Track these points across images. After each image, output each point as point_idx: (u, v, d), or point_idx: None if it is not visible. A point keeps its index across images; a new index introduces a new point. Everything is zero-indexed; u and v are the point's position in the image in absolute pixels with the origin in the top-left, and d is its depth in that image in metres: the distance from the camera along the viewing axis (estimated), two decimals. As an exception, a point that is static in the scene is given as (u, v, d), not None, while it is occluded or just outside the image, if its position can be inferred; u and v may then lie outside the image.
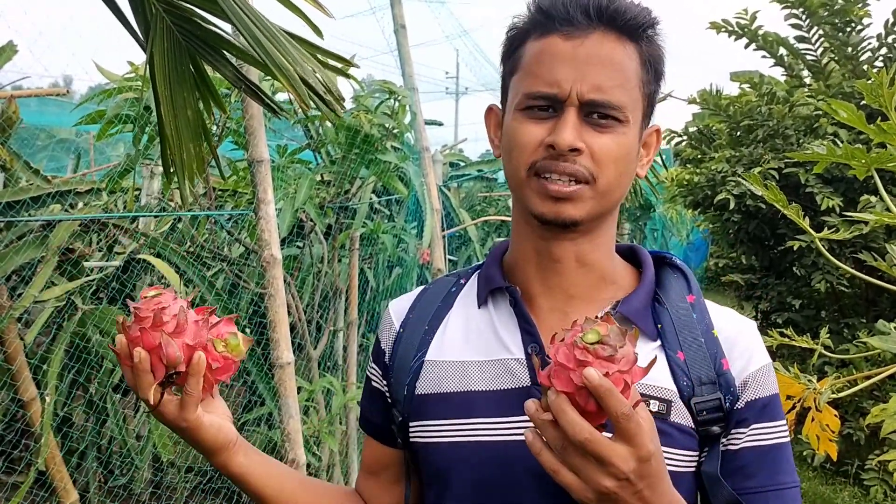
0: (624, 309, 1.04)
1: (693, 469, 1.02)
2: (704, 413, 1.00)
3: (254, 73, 2.27)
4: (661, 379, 1.01)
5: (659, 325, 1.05)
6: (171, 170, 1.32)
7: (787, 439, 1.06)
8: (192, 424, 0.99)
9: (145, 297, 0.96)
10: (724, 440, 1.03)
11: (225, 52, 1.28)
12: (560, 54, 0.98)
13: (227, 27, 1.26)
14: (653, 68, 1.03)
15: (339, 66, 1.35)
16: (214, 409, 1.04)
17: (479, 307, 1.11)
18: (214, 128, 3.15)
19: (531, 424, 0.95)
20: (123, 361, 0.96)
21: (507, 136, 1.04)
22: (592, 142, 0.98)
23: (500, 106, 1.12)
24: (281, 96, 3.50)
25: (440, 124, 5.72)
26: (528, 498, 1.00)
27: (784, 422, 1.06)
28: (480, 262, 1.20)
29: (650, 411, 0.96)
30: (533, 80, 1.00)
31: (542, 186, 0.99)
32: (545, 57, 1.00)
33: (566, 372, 0.81)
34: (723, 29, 5.30)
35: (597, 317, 0.84)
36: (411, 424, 1.09)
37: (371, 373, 1.19)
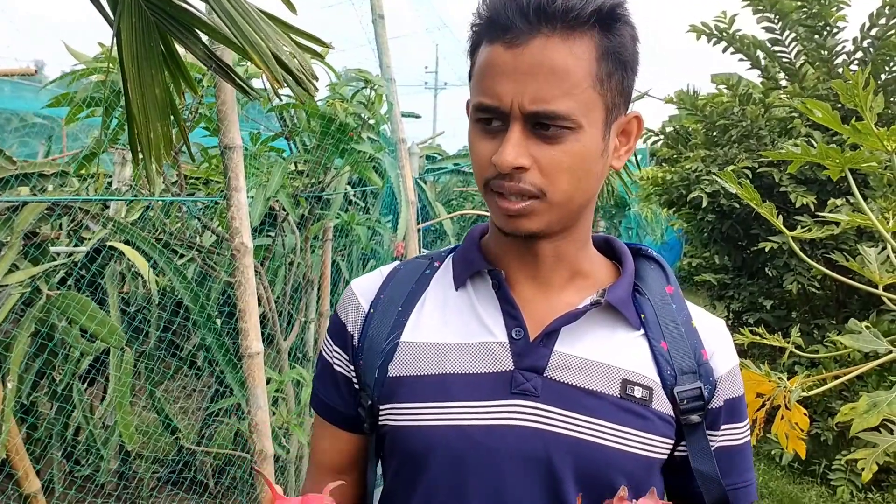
0: (611, 297, 1.03)
1: (666, 455, 1.03)
2: (686, 402, 1.01)
3: (228, 55, 2.23)
4: (644, 368, 1.02)
5: (642, 315, 1.05)
6: (139, 150, 1.29)
7: (749, 437, 1.11)
8: None
9: None
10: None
11: (196, 29, 1.25)
12: (501, 65, 0.94)
13: (199, 5, 1.23)
14: (614, 58, 0.96)
15: (315, 47, 1.32)
16: None
17: (456, 289, 1.09)
18: (186, 113, 3.10)
19: (512, 408, 0.98)
20: None
21: (469, 144, 1.02)
22: (541, 155, 0.94)
23: None
24: (256, 83, 3.46)
25: (417, 117, 5.69)
26: (509, 482, 0.98)
27: (748, 420, 1.10)
28: (454, 245, 1.18)
29: (635, 397, 0.99)
30: (479, 92, 0.97)
31: (496, 204, 0.98)
32: (488, 68, 0.95)
33: None
34: (702, 32, 5.33)
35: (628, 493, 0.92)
36: (381, 407, 1.05)
37: (333, 358, 1.14)
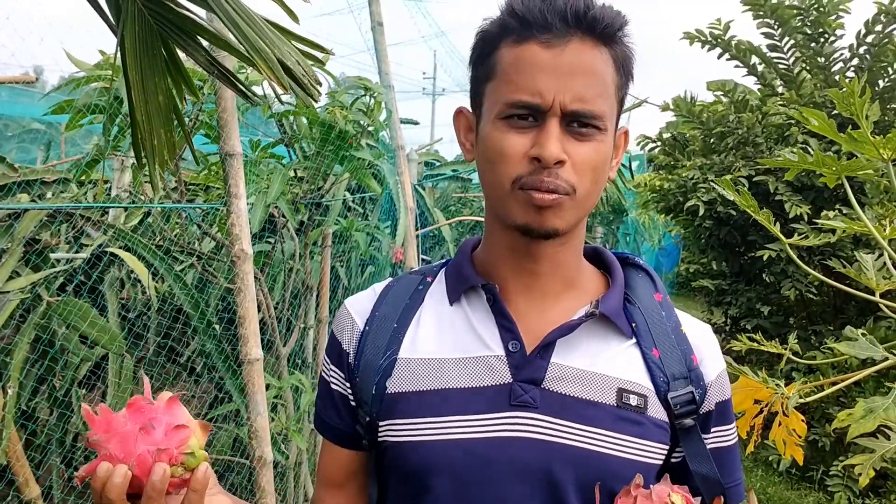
0: (604, 309, 1.05)
1: (662, 461, 1.05)
2: (679, 406, 1.04)
3: (229, 62, 2.25)
4: (638, 376, 1.04)
5: (633, 324, 1.07)
6: (143, 156, 1.30)
7: (737, 438, 1.14)
8: None
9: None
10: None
11: (198, 36, 1.26)
12: (540, 63, 0.96)
13: (201, 12, 1.24)
14: (625, 71, 1.02)
15: (316, 53, 1.33)
16: None
17: (451, 304, 1.10)
18: (187, 120, 3.11)
19: (512, 420, 1.00)
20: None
21: (488, 145, 1.01)
22: (574, 151, 0.97)
23: (469, 109, 1.10)
24: (256, 90, 3.47)
25: (416, 123, 5.70)
26: (511, 495, 1.00)
27: (735, 422, 1.13)
28: (445, 260, 1.19)
29: (630, 405, 1.02)
30: (513, 89, 0.98)
31: (528, 196, 0.98)
32: (524, 65, 0.97)
33: None
34: (696, 39, 5.34)
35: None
36: (381, 424, 1.06)
37: (331, 376, 1.15)
